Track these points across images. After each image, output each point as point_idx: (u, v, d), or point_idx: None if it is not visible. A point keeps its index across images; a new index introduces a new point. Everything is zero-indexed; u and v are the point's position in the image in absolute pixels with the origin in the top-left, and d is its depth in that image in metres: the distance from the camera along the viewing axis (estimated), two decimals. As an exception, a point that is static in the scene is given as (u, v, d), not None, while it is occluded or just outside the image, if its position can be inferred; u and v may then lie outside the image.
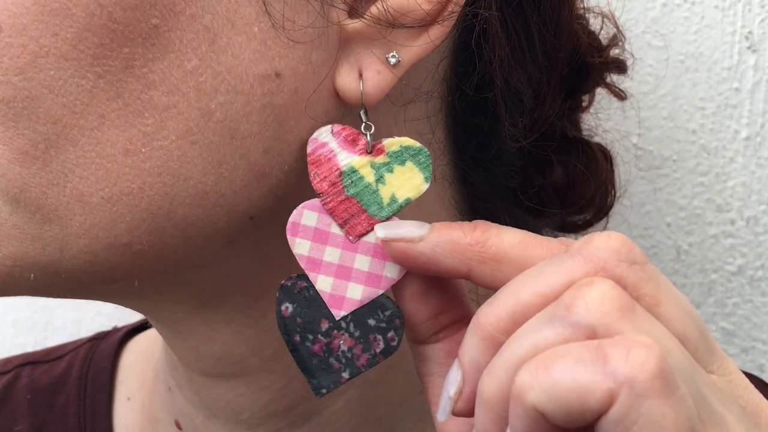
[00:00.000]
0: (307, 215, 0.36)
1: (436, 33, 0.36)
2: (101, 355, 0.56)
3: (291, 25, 0.35)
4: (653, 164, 0.65)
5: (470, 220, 0.44)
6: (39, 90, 0.33)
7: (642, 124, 0.64)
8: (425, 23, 0.36)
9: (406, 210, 0.39)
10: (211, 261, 0.38)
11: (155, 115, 0.34)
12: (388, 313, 0.36)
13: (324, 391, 0.36)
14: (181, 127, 0.34)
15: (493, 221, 0.45)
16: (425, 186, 0.37)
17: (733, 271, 0.64)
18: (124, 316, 0.71)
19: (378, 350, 0.36)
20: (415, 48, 0.36)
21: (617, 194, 0.51)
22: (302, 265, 0.36)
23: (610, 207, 0.51)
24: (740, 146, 0.64)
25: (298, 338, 0.36)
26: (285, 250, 0.39)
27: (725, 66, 0.64)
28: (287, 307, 0.36)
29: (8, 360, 0.60)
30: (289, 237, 0.36)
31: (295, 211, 0.36)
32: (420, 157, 0.37)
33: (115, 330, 0.59)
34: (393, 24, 0.35)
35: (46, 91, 0.33)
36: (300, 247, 0.36)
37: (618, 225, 0.65)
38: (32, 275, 0.36)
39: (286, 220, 0.38)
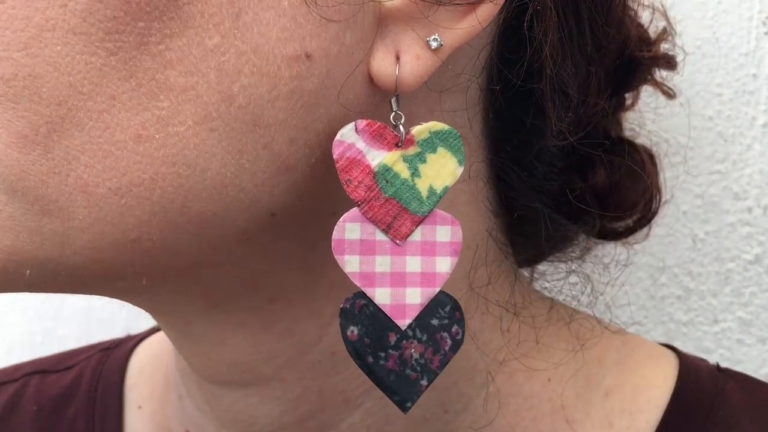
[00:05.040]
0: (349, 228, 0.33)
1: (485, 14, 0.33)
2: (111, 367, 0.54)
3: (324, 0, 0.32)
4: (669, 151, 0.64)
5: (505, 223, 0.42)
6: (43, 67, 0.30)
7: (657, 111, 0.63)
8: (474, 1, 0.33)
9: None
10: (225, 259, 0.35)
11: (171, 97, 0.31)
12: (447, 308, 0.35)
13: (409, 404, 0.35)
14: (199, 111, 0.31)
15: (530, 225, 0.42)
16: (460, 170, 0.35)
17: (750, 259, 0.64)
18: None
19: (447, 348, 0.35)
20: (458, 31, 0.33)
21: (663, 199, 0.48)
22: (356, 282, 0.34)
23: (655, 213, 0.48)
24: (758, 133, 0.63)
25: (371, 359, 0.34)
26: (304, 250, 0.37)
27: (742, 52, 0.63)
28: (353, 331, 0.34)
29: (18, 367, 0.58)
30: (336, 257, 0.33)
31: (336, 228, 0.33)
32: (450, 139, 0.34)
33: (129, 338, 0.57)
34: (439, 1, 0.32)
35: (51, 68, 0.30)
36: (350, 264, 0.33)
37: (633, 214, 0.65)
38: (28, 271, 0.33)
39: (308, 218, 0.36)
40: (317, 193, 0.35)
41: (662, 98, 0.63)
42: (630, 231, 0.48)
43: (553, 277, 0.49)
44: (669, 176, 0.64)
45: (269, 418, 0.41)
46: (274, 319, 0.39)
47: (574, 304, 0.48)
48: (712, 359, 0.65)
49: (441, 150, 0.34)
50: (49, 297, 0.77)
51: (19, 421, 0.53)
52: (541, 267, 0.49)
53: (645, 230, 0.49)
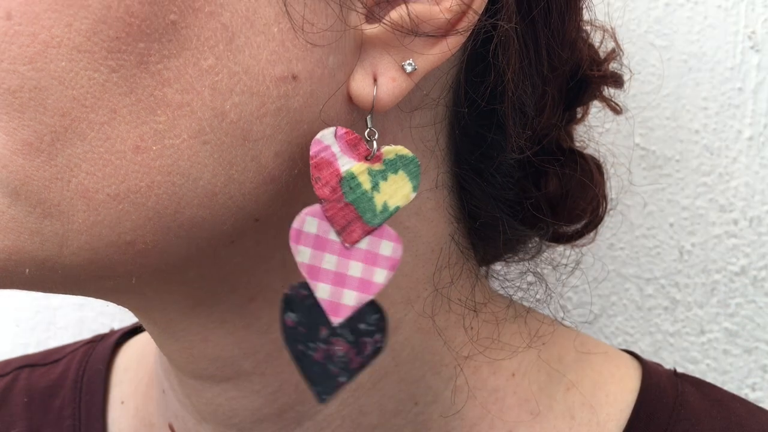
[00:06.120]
0: (309, 222, 0.36)
1: (454, 42, 0.36)
2: (97, 358, 0.56)
3: (310, 27, 0.34)
4: (656, 164, 0.65)
5: (468, 228, 0.45)
6: (48, 81, 0.32)
7: (644, 124, 0.64)
8: (444, 32, 0.36)
9: (405, 218, 0.40)
10: (210, 260, 0.38)
11: (168, 112, 0.33)
12: (375, 316, 0.37)
13: (326, 397, 0.37)
14: (193, 126, 0.33)
15: (491, 230, 0.45)
16: (413, 195, 0.37)
17: (736, 271, 0.64)
18: (127, 316, 0.71)
19: (367, 352, 0.37)
20: (430, 56, 0.36)
21: (608, 206, 0.51)
22: (303, 273, 0.36)
23: (602, 218, 0.51)
24: (743, 146, 0.64)
25: (301, 347, 0.36)
26: (282, 252, 0.39)
27: (728, 66, 0.64)
28: (290, 317, 0.36)
29: (8, 362, 0.60)
30: (291, 245, 0.36)
31: (297, 218, 0.36)
32: (411, 166, 0.37)
33: (113, 332, 0.59)
34: (413, 31, 0.35)
35: (56, 82, 0.32)
36: (302, 255, 0.36)
37: (620, 225, 0.65)
38: (27, 270, 0.35)
39: (287, 222, 0.37)
40: (297, 201, 0.37)
41: (651, 111, 0.64)
42: (579, 235, 0.51)
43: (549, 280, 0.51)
44: (656, 188, 0.65)
45: (249, 410, 0.43)
46: (253, 316, 0.41)
47: (562, 312, 0.49)
48: (699, 369, 0.66)
49: (401, 173, 0.37)
50: (42, 308, 0.77)
51: (10, 412, 0.55)
52: (542, 268, 0.51)
53: (592, 234, 0.52)
